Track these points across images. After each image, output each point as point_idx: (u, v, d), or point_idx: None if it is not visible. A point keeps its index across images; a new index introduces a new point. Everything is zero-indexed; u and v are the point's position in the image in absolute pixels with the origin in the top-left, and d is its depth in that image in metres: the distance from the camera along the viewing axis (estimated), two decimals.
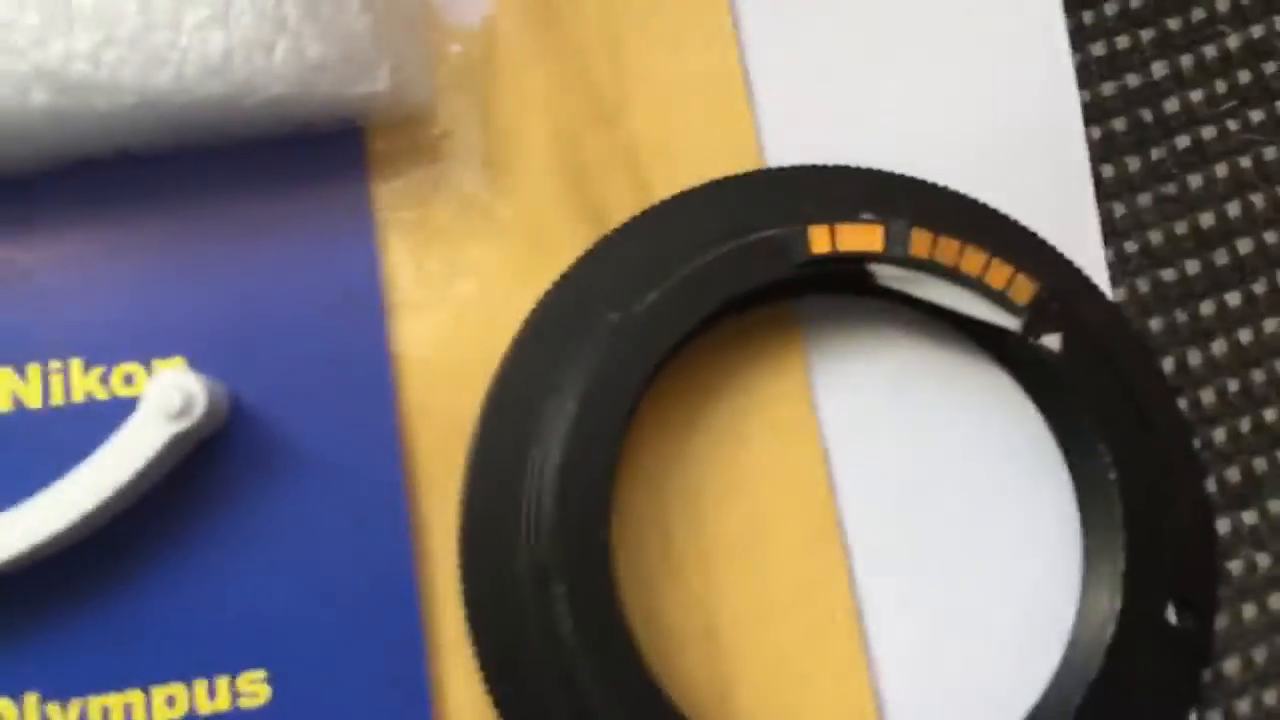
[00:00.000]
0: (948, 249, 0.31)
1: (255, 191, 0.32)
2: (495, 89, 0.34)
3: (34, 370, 0.30)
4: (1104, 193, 0.35)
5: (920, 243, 0.31)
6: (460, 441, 0.31)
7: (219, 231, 0.31)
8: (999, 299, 0.31)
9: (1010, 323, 0.32)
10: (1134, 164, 0.35)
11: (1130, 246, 0.35)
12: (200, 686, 0.30)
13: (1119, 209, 0.35)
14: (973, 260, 0.31)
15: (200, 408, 0.28)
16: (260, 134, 0.31)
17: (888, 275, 0.32)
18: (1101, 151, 0.35)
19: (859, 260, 0.31)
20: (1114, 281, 0.34)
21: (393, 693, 0.30)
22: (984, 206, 0.33)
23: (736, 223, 0.32)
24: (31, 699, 0.29)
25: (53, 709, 0.29)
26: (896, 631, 0.32)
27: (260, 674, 0.30)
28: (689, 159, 0.34)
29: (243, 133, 0.31)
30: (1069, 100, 0.35)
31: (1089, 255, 0.34)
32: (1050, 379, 0.32)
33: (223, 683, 0.30)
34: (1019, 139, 0.35)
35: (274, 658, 0.30)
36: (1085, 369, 0.32)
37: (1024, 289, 0.31)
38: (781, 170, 0.33)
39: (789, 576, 0.32)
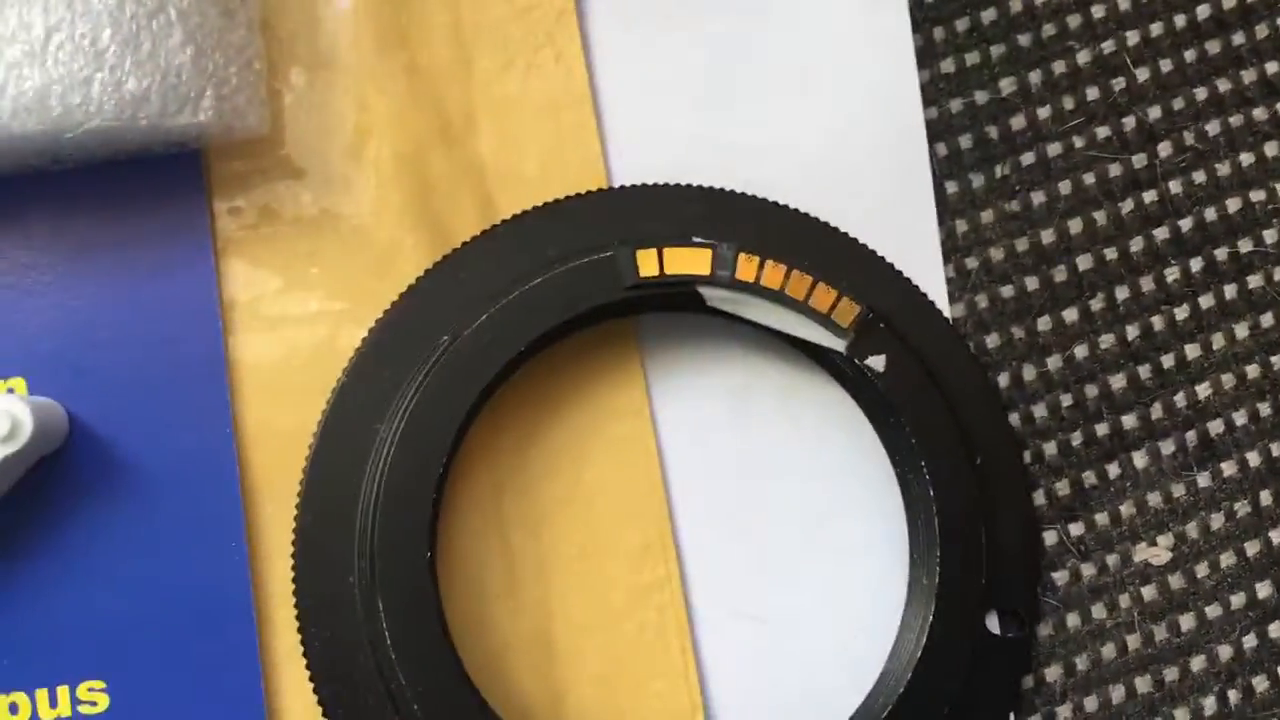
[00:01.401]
0: (774, 273, 0.32)
1: (93, 212, 0.32)
2: (341, 110, 0.34)
3: None
4: (947, 209, 0.35)
5: (747, 267, 0.32)
6: (298, 459, 0.32)
7: (57, 252, 0.32)
8: (824, 321, 0.32)
9: (836, 344, 0.32)
10: (978, 181, 0.36)
11: (971, 263, 0.35)
12: (42, 695, 0.31)
13: (962, 225, 0.35)
14: (798, 284, 0.32)
15: (27, 431, 0.29)
16: (95, 159, 0.32)
17: (716, 297, 0.32)
18: (946, 168, 0.36)
19: (687, 283, 0.32)
20: (952, 297, 0.35)
21: (228, 704, 0.31)
22: (819, 226, 0.34)
23: (571, 245, 0.33)
24: None
25: None
26: (727, 640, 0.33)
27: (99, 684, 0.31)
28: (536, 179, 0.35)
29: (76, 158, 0.31)
30: (914, 117, 0.36)
31: (929, 272, 0.35)
32: (876, 398, 0.33)
33: (63, 691, 0.31)
34: (863, 155, 0.35)
35: (113, 668, 0.31)
36: (909, 389, 0.32)
37: (848, 311, 0.32)
38: (618, 191, 0.34)
39: (623, 586, 0.33)
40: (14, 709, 0.31)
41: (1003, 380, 0.35)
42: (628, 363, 0.34)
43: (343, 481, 0.31)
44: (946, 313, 0.35)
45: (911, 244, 0.35)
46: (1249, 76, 0.36)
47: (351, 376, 0.32)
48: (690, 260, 0.32)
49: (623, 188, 0.34)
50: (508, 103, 0.35)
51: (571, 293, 0.32)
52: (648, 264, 0.32)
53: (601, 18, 0.35)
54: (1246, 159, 0.36)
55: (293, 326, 0.33)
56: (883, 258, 0.34)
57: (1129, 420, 0.35)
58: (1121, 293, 0.35)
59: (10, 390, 0.32)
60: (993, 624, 0.33)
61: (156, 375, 0.32)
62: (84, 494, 0.31)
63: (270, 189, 0.34)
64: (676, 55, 0.35)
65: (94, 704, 0.31)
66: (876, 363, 0.32)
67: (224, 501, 0.32)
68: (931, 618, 0.32)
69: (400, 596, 0.30)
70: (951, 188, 0.36)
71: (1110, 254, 0.36)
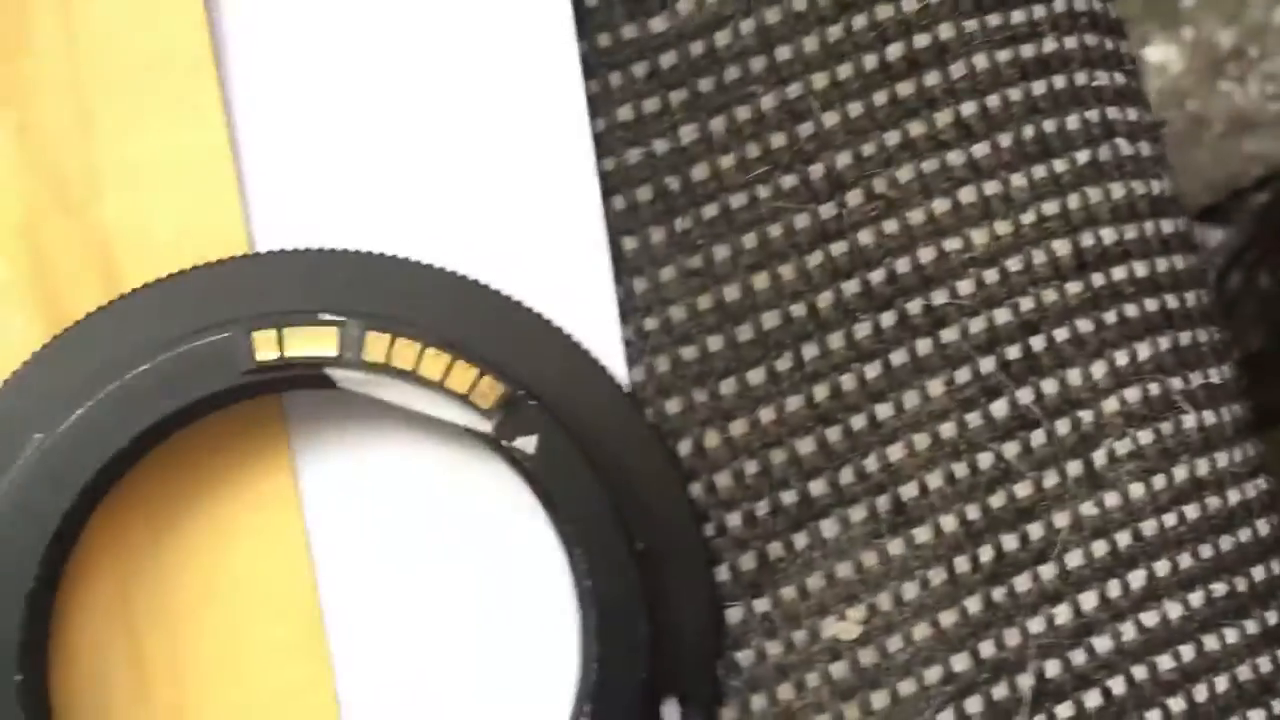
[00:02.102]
0: (406, 351, 0.30)
1: None
2: None
3: None
4: (625, 267, 0.33)
5: (376, 346, 0.30)
6: None
7: None
8: (464, 402, 0.30)
9: (481, 425, 0.30)
10: (658, 235, 0.34)
11: (650, 323, 0.33)
12: None
13: (640, 284, 0.33)
14: (433, 363, 0.30)
15: None
16: None
17: (346, 379, 0.30)
18: (624, 223, 0.33)
19: (313, 365, 0.30)
20: (631, 361, 0.33)
21: None
22: (472, 288, 0.32)
23: (190, 324, 0.30)
24: None
25: None
26: None
27: None
28: (169, 248, 0.32)
29: None
30: (586, 169, 0.33)
31: (605, 334, 0.33)
32: (530, 481, 0.31)
33: None
34: (531, 212, 0.33)
35: None
36: (561, 471, 0.30)
37: (490, 390, 0.30)
38: (242, 260, 0.31)
39: (270, 685, 0.31)
40: None
41: (684, 448, 0.33)
42: (272, 443, 0.32)
43: None
44: (624, 378, 0.33)
45: (586, 306, 0.33)
46: (943, 119, 0.35)
47: None
48: (314, 340, 0.30)
49: (246, 256, 0.31)
50: (135, 164, 0.32)
51: (183, 380, 0.29)
52: (266, 346, 0.29)
53: (242, 67, 0.33)
54: (941, 205, 0.34)
55: None
56: (547, 321, 0.32)
57: (817, 486, 0.33)
58: (809, 351, 0.33)
59: None
60: (671, 713, 0.31)
61: None
62: None
63: None
64: (326, 109, 0.33)
65: None
66: (527, 444, 0.30)
67: None
68: (592, 713, 0.30)
69: None
70: (629, 244, 0.33)
71: (798, 310, 0.34)
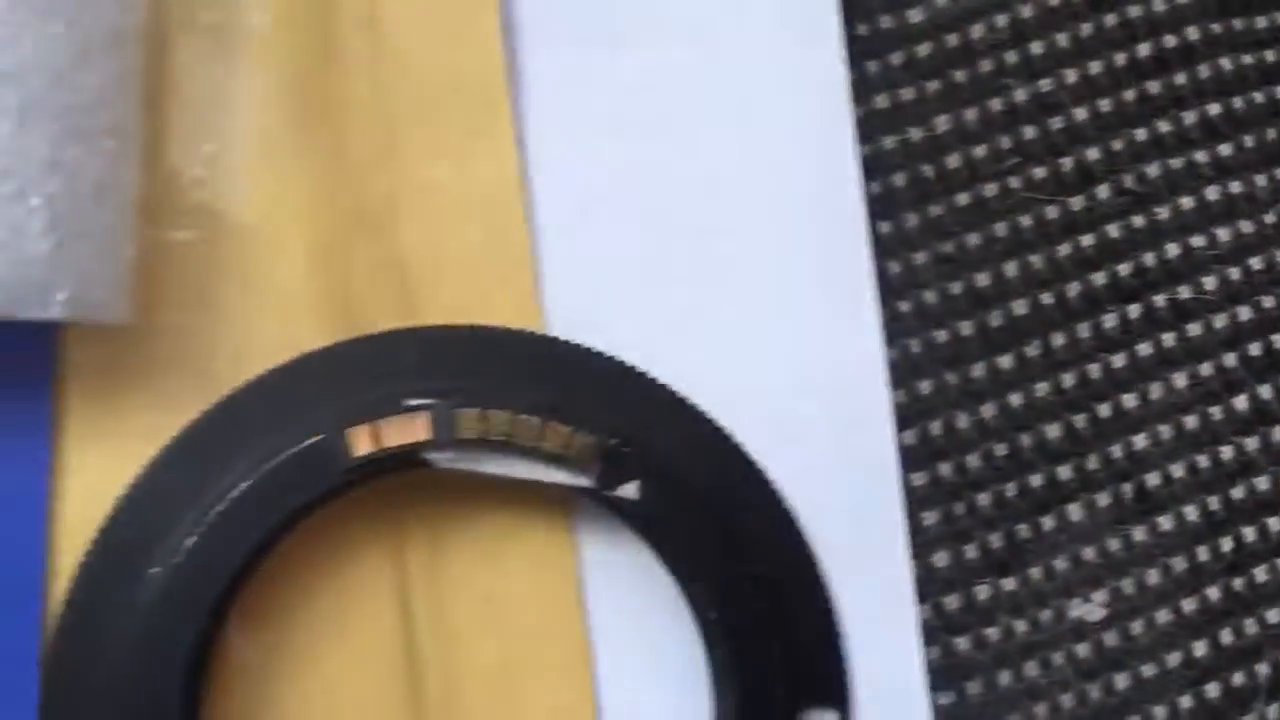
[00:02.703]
0: (498, 423, 0.30)
1: None
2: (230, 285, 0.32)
3: None
4: (880, 250, 0.34)
5: (468, 423, 0.30)
6: None
7: None
8: (562, 461, 0.30)
9: (583, 481, 0.31)
10: (912, 220, 0.34)
11: (904, 306, 0.34)
12: None
13: (894, 267, 0.34)
14: (525, 429, 0.30)
15: None
16: None
17: (444, 460, 0.30)
18: (879, 207, 0.34)
19: (410, 453, 0.30)
20: (888, 342, 0.34)
21: None
22: (547, 350, 0.32)
23: (273, 434, 0.30)
24: None
25: None
26: None
27: None
28: (460, 275, 0.32)
29: None
30: (846, 154, 0.34)
31: (863, 315, 0.34)
32: (638, 528, 0.31)
33: None
34: (794, 196, 0.34)
35: None
36: (669, 510, 0.31)
37: (585, 447, 0.30)
38: (319, 354, 0.31)
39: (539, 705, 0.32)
40: None
41: (935, 429, 0.34)
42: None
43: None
44: (881, 357, 0.33)
45: (845, 286, 0.34)
46: (1190, 118, 0.35)
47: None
48: (407, 429, 0.30)
49: (323, 350, 0.31)
50: (432, 190, 0.32)
51: (280, 494, 0.30)
52: (361, 442, 0.30)
53: (536, 104, 0.33)
54: (1187, 203, 0.35)
55: None
56: (634, 369, 0.32)
57: (1064, 471, 0.34)
58: (1058, 339, 0.34)
59: None
60: None
61: None
62: None
63: (131, 375, 0.31)
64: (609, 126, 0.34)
65: None
66: (629, 490, 0.30)
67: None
68: None
69: None
70: (884, 228, 0.34)
71: (1046, 299, 0.34)
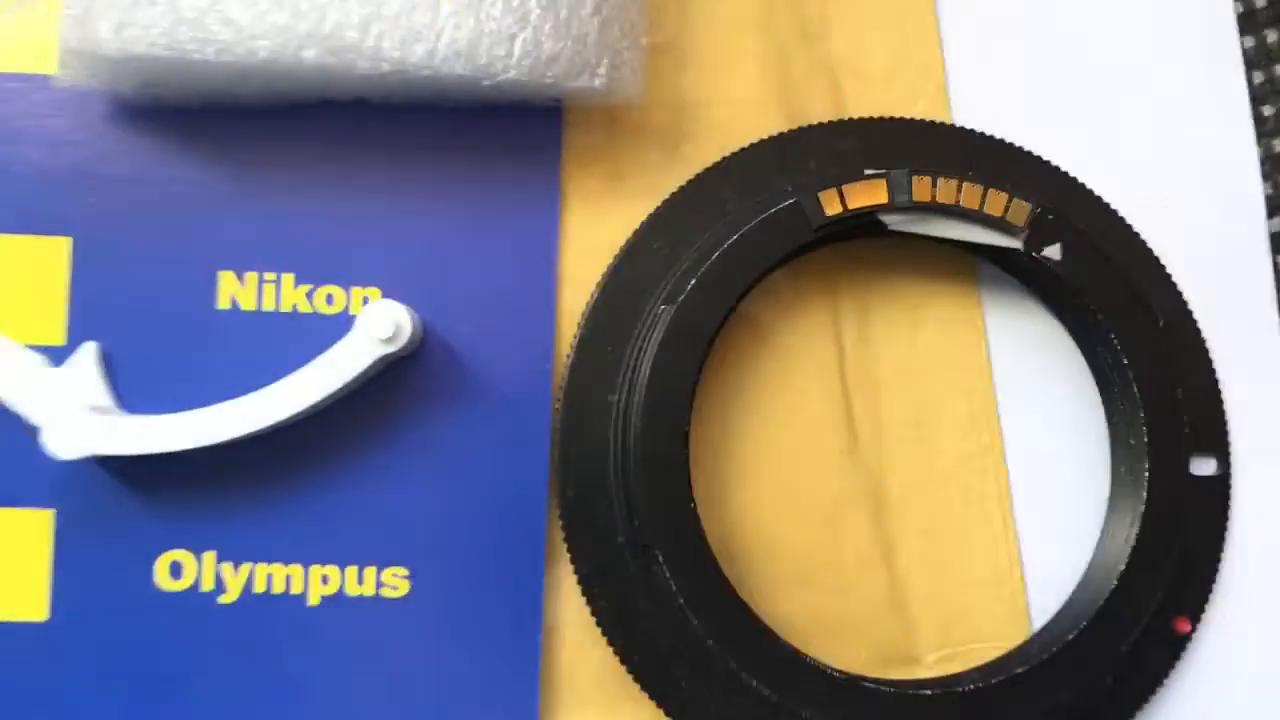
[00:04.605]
0: (946, 189, 0.36)
1: (461, 152, 0.35)
2: (697, 74, 0.39)
3: (251, 277, 0.35)
4: (1262, 131, 0.38)
5: (921, 188, 0.36)
6: None
7: (426, 183, 0.35)
8: (1000, 224, 0.35)
9: (1013, 243, 0.35)
10: (1272, 36, 0.38)
11: (1267, 110, 0.38)
12: (351, 572, 0.34)
13: (1258, 77, 0.38)
14: (970, 195, 0.36)
15: (405, 336, 0.32)
16: (476, 102, 0.34)
17: (897, 221, 0.36)
18: (1245, 25, 0.38)
19: (870, 213, 0.35)
20: (1270, 212, 0.38)
21: (510, 606, 0.34)
22: (978, 138, 0.38)
23: (753, 195, 0.37)
24: (209, 556, 0.34)
25: (226, 568, 0.34)
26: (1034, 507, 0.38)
27: (403, 570, 0.34)
28: (880, 80, 0.39)
29: (464, 100, 0.34)
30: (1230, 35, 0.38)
31: (1238, 116, 0.38)
32: (1057, 284, 0.36)
33: (370, 572, 0.34)
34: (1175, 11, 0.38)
35: (417, 559, 0.34)
36: (1087, 269, 0.35)
37: (1020, 211, 0.36)
38: (773, 141, 0.38)
39: (952, 450, 0.38)
40: (325, 580, 0.34)
41: None
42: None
43: (593, 445, 0.35)
44: (1254, 153, 0.38)
45: (1229, 165, 0.38)
46: None
47: (579, 350, 0.36)
48: (869, 192, 0.36)
49: (783, 134, 0.38)
50: (858, 6, 0.39)
51: (769, 242, 0.36)
52: (831, 203, 0.36)
53: None
54: None
55: None
56: (1042, 159, 0.37)
57: None
58: None
59: (366, 299, 0.35)
60: (1197, 468, 0.36)
61: (494, 304, 0.35)
62: (428, 397, 0.34)
63: (623, 150, 0.38)
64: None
65: (395, 588, 0.34)
66: (1053, 252, 0.35)
67: (535, 422, 0.34)
68: (1147, 466, 0.35)
69: (672, 551, 0.34)
70: (1248, 42, 0.38)
71: None
